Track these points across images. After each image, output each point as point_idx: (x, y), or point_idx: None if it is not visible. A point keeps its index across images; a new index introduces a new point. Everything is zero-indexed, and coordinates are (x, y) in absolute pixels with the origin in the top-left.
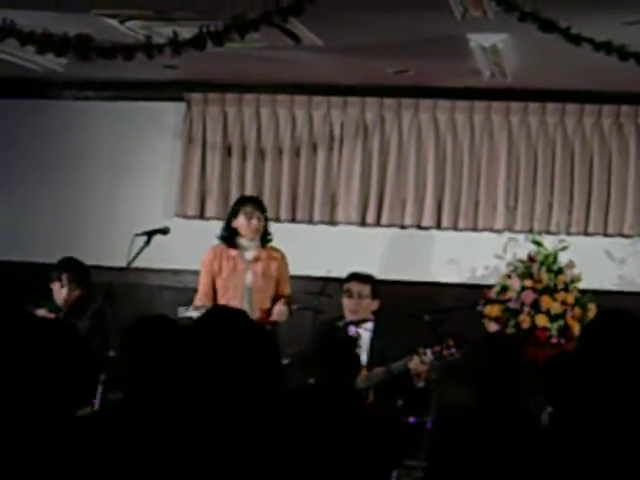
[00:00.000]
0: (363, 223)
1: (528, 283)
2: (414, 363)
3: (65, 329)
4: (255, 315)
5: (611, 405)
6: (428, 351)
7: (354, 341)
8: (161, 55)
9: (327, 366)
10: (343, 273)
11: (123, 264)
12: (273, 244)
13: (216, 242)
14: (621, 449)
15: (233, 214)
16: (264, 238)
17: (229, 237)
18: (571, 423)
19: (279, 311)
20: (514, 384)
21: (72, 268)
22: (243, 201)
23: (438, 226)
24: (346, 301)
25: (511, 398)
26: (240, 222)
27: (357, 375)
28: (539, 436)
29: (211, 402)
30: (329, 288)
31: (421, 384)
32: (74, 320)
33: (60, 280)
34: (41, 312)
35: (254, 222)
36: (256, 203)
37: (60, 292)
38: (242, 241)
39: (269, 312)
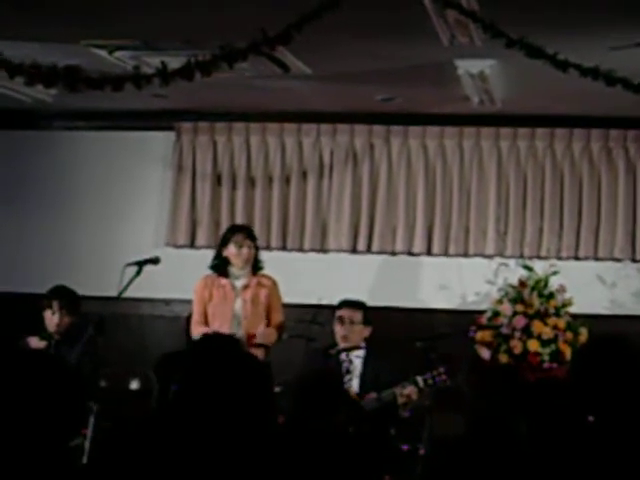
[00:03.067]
0: (354, 250)
1: (519, 308)
2: (409, 391)
3: (53, 360)
4: (244, 342)
5: (602, 430)
6: (419, 378)
7: (337, 379)
8: (150, 85)
9: (304, 402)
10: (334, 300)
11: (114, 294)
12: (264, 272)
13: (207, 271)
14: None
15: (223, 243)
16: (255, 266)
17: (220, 266)
18: (561, 448)
19: (262, 333)
20: (504, 411)
21: (63, 295)
22: (233, 230)
23: (429, 252)
24: (338, 328)
25: (502, 426)
26: (230, 251)
27: (338, 413)
28: (529, 462)
29: (201, 429)
30: (321, 316)
31: (406, 414)
32: (66, 348)
33: (51, 307)
34: (33, 340)
35: (244, 251)
36: (246, 232)
37: (52, 319)
38: (233, 270)
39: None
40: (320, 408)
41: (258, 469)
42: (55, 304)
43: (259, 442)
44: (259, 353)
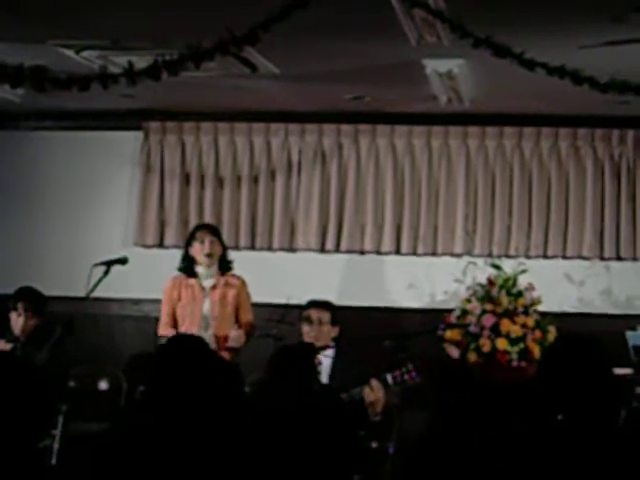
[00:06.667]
0: (322, 249)
1: (488, 307)
2: (377, 389)
3: (20, 362)
4: (213, 343)
5: (570, 428)
6: (389, 377)
7: (309, 348)
8: (117, 85)
9: (280, 371)
10: (303, 300)
11: (82, 294)
12: (234, 272)
13: (176, 271)
14: (583, 471)
15: (188, 243)
16: (223, 265)
17: (187, 267)
18: (531, 448)
19: (234, 336)
20: (471, 409)
21: (28, 297)
22: (196, 228)
23: (397, 251)
24: (306, 328)
25: (467, 423)
26: (195, 249)
27: (313, 379)
28: (500, 461)
29: (168, 428)
30: (289, 315)
31: (377, 418)
32: (33, 349)
33: (16, 309)
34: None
35: (206, 244)
36: (208, 228)
37: (17, 321)
38: (200, 269)
39: (227, 339)
40: (297, 374)
41: (226, 467)
42: (20, 306)
43: (227, 439)
44: (227, 355)
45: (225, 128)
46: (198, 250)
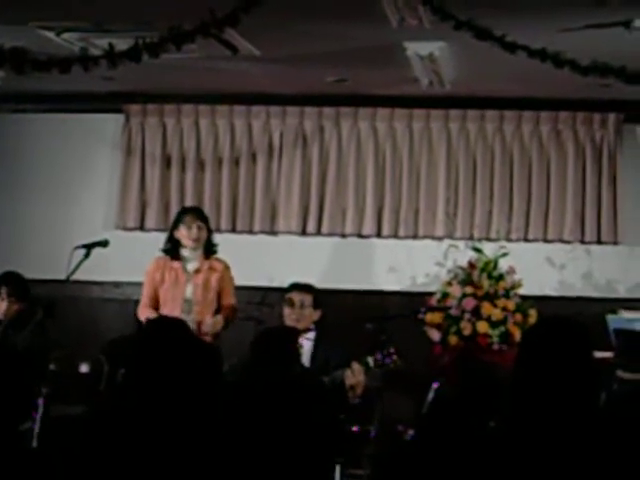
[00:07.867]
0: (304, 232)
1: (469, 290)
2: (358, 371)
3: (0, 345)
4: (195, 328)
5: (550, 412)
6: (370, 359)
7: (292, 331)
8: (97, 67)
9: (262, 354)
10: (284, 283)
11: (63, 277)
12: (218, 256)
13: (157, 253)
14: (562, 454)
15: (174, 225)
16: (208, 249)
17: (172, 249)
18: (512, 431)
19: (209, 322)
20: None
21: (12, 282)
22: (183, 212)
23: (378, 234)
24: (287, 311)
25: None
26: (181, 232)
27: (295, 363)
28: (484, 445)
29: (148, 412)
30: (270, 298)
31: (356, 401)
32: (14, 332)
33: (0, 293)
34: None
35: (194, 231)
36: (195, 212)
37: (0, 305)
38: (184, 252)
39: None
40: (278, 357)
41: (206, 450)
42: (4, 291)
43: (207, 422)
44: (207, 337)
45: (206, 111)
46: (185, 234)
